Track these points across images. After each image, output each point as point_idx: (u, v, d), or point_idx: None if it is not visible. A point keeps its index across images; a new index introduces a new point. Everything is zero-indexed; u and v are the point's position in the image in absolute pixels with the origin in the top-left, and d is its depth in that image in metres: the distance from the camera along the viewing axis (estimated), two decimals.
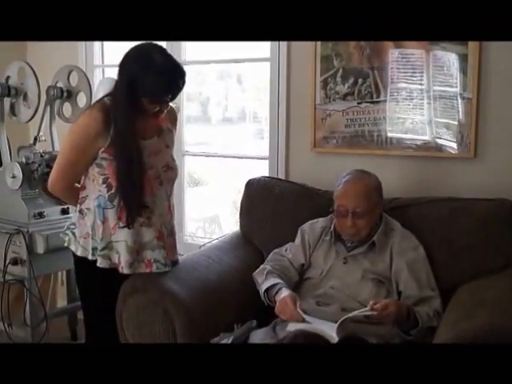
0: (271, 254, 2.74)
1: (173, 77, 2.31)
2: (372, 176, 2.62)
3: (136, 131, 2.37)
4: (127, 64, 2.31)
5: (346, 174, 2.62)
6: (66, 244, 2.56)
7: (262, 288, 2.53)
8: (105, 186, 2.40)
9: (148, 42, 2.33)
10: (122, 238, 2.42)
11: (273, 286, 2.49)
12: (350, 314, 2.21)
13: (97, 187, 2.42)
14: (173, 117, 2.61)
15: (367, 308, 2.24)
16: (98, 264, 2.44)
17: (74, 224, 2.56)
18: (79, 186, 2.51)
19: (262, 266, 2.65)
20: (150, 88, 2.28)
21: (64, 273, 3.79)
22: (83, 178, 2.48)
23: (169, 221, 2.56)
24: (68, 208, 3.31)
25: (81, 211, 2.48)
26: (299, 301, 2.36)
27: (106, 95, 2.43)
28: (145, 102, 2.32)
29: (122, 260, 2.44)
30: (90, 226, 2.45)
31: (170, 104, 2.48)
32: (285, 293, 2.41)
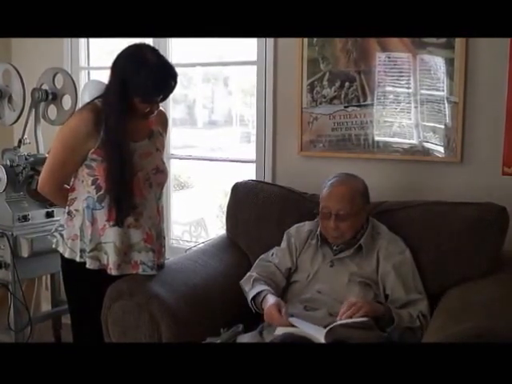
0: (257, 260, 2.73)
1: (165, 77, 2.33)
2: (358, 179, 2.62)
3: (127, 132, 2.38)
4: (120, 64, 2.34)
5: (333, 176, 2.62)
6: (53, 246, 2.57)
7: (249, 296, 2.52)
8: (94, 187, 2.41)
9: (140, 42, 2.36)
10: (111, 239, 2.44)
11: (258, 293, 2.49)
12: (340, 322, 2.22)
13: (86, 188, 2.43)
14: (164, 121, 2.64)
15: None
16: (87, 266, 2.45)
17: (62, 226, 2.56)
18: (69, 187, 2.51)
19: (248, 274, 2.64)
20: (142, 87, 2.30)
21: (48, 277, 3.75)
22: (73, 179, 2.49)
23: (157, 223, 2.56)
24: (53, 211, 3.28)
25: (69, 213, 2.49)
26: (284, 307, 2.37)
27: (97, 97, 2.44)
28: (136, 102, 2.34)
29: (110, 261, 2.45)
30: (78, 228, 2.46)
31: (161, 108, 2.49)
32: (270, 301, 2.41)
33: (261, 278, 2.57)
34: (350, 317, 2.23)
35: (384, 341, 2.26)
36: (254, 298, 2.50)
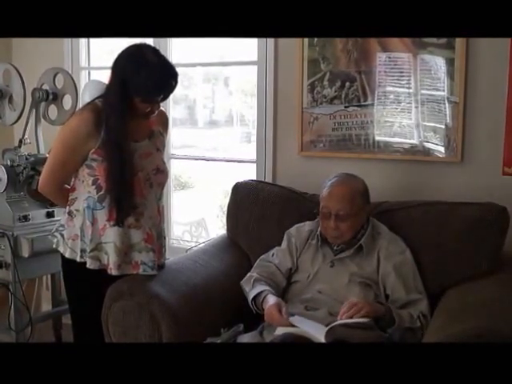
0: (257, 260, 2.73)
1: (165, 76, 2.33)
2: (358, 180, 2.62)
3: (127, 132, 2.38)
4: (120, 63, 2.34)
5: (333, 176, 2.62)
6: (54, 246, 2.57)
7: (250, 296, 2.52)
8: (94, 187, 2.41)
9: (141, 42, 2.36)
10: (111, 239, 2.43)
11: (259, 293, 2.49)
12: (341, 322, 2.22)
13: (86, 188, 2.43)
14: (164, 121, 2.64)
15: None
16: (87, 265, 2.45)
17: (62, 226, 2.56)
18: (69, 187, 2.51)
19: (248, 274, 2.64)
20: (143, 87, 2.30)
21: (49, 277, 3.76)
22: (73, 179, 2.49)
23: (158, 223, 2.56)
24: (53, 211, 3.28)
25: (70, 213, 2.49)
26: (285, 306, 2.37)
27: (98, 97, 2.44)
28: (136, 102, 2.34)
29: (110, 261, 2.45)
30: (78, 228, 2.46)
31: (161, 108, 2.50)
32: (270, 301, 2.41)
33: (261, 278, 2.57)
34: (351, 317, 2.23)
35: (385, 341, 2.26)
36: (254, 299, 2.50)
